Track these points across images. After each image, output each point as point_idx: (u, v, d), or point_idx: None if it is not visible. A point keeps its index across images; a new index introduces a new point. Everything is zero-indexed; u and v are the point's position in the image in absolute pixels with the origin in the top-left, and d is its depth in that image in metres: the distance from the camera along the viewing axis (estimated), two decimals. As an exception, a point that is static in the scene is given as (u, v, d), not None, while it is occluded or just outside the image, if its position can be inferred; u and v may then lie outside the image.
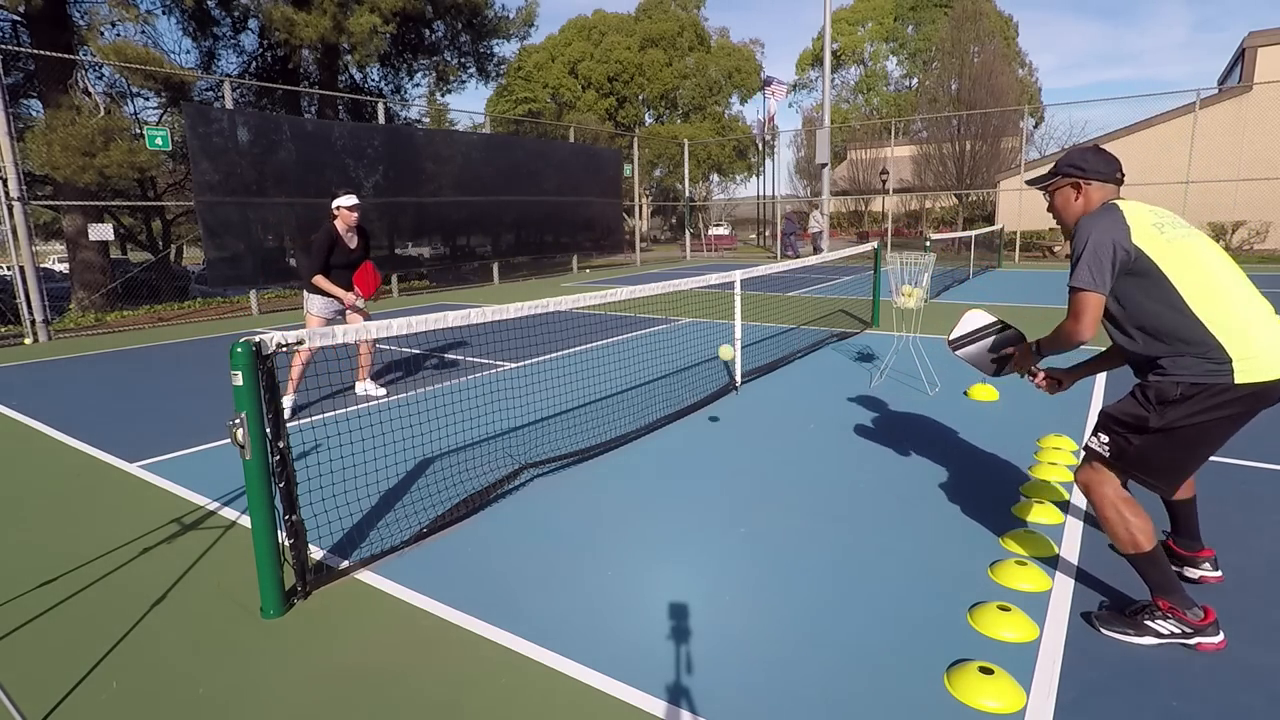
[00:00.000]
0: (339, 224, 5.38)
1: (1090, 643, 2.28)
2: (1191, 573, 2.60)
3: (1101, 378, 5.73)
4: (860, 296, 10.76)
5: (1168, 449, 2.19)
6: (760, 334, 8.00)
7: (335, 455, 3.92)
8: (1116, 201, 2.27)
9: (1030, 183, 2.47)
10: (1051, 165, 2.42)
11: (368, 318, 5.61)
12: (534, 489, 3.74)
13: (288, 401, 5.27)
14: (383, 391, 5.87)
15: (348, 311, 5.55)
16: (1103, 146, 2.39)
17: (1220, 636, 2.22)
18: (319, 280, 5.31)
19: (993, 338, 2.79)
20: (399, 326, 3.06)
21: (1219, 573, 2.59)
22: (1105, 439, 2.29)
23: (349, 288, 5.50)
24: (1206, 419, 2.11)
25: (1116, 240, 2.13)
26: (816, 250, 21.42)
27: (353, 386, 5.89)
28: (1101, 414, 2.33)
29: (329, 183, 13.09)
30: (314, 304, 5.45)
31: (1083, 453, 2.41)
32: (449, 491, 3.57)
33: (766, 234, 24.99)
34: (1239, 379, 2.04)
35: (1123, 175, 2.32)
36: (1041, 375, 2.69)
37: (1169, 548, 2.65)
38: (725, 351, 5.25)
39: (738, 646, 2.32)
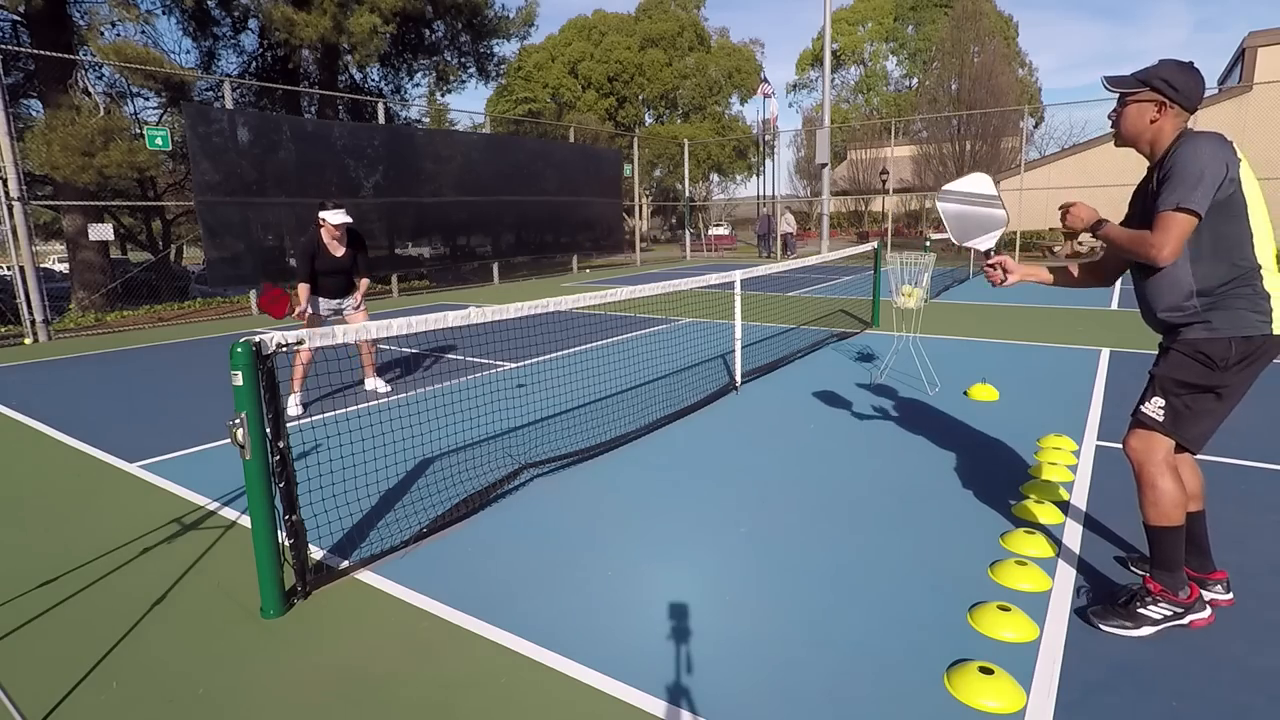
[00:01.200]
0: (323, 233, 5.37)
1: (1091, 642, 2.28)
2: (1204, 594, 2.39)
3: (1101, 376, 5.74)
4: (860, 296, 10.77)
5: (1218, 408, 2.20)
6: (760, 334, 8.00)
7: (335, 455, 3.92)
8: (1212, 131, 2.15)
9: (1111, 81, 2.25)
10: (1136, 71, 2.23)
11: (366, 317, 5.69)
12: (534, 489, 3.74)
13: (295, 400, 5.33)
14: (388, 388, 5.93)
15: (345, 312, 5.62)
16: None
17: (1209, 611, 2.27)
18: (300, 289, 5.36)
19: (984, 209, 2.75)
20: (399, 326, 3.06)
21: (1230, 595, 2.44)
22: (1161, 403, 2.23)
23: (338, 294, 5.55)
24: (1251, 373, 2.14)
25: (1229, 167, 2.05)
26: (786, 248, 23.45)
27: (353, 386, 5.91)
28: (1155, 378, 2.27)
29: (329, 183, 13.09)
30: (313, 305, 5.49)
31: (1134, 424, 2.31)
32: (449, 491, 3.57)
33: (768, 240, 25.43)
34: (1277, 329, 2.08)
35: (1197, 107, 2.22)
36: (995, 259, 2.58)
37: None
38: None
39: (738, 646, 2.32)
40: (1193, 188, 2.01)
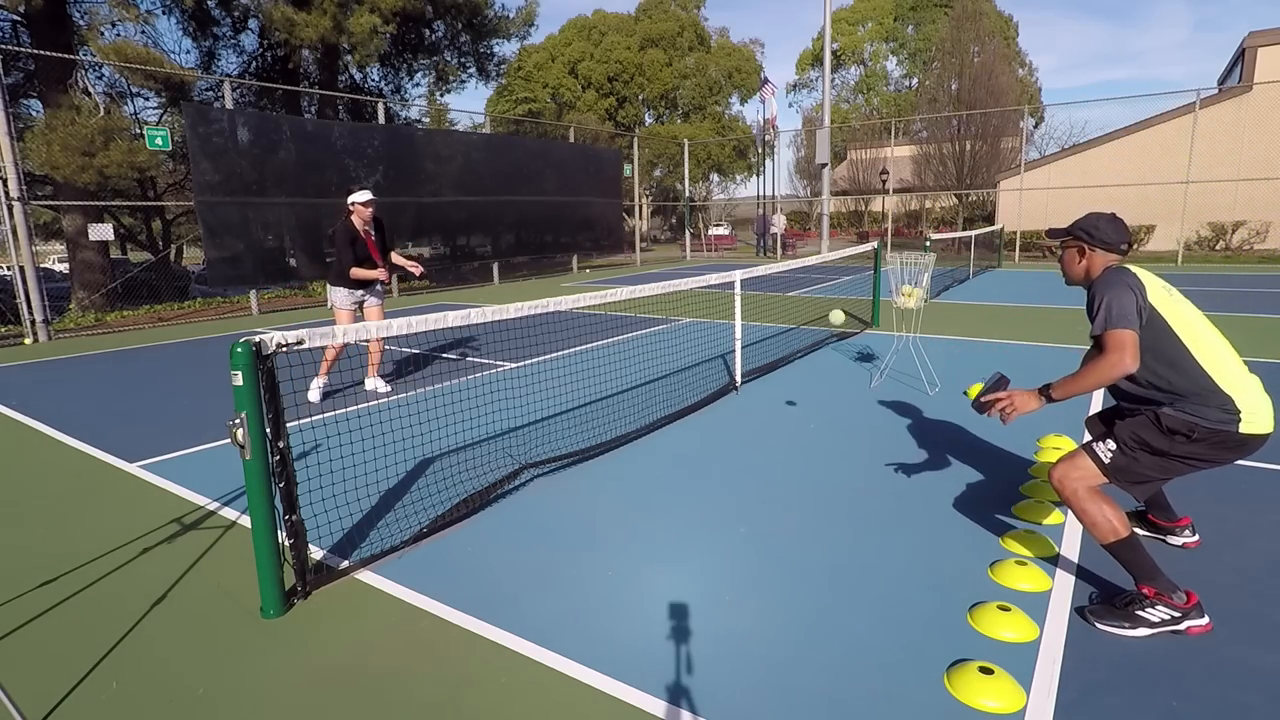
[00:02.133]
0: (355, 219, 5.49)
1: (1090, 643, 2.29)
2: (1174, 540, 2.88)
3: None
4: (860, 296, 10.76)
5: (1160, 471, 2.42)
6: (760, 334, 8.00)
7: (335, 455, 3.92)
8: (1126, 265, 2.48)
9: (1048, 233, 2.74)
10: (1074, 222, 2.62)
11: (381, 307, 5.87)
12: (534, 489, 3.74)
13: (317, 384, 5.55)
14: (388, 389, 5.93)
15: (364, 304, 5.73)
16: (1114, 215, 2.57)
17: (1206, 619, 2.30)
18: (356, 272, 5.47)
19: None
20: (399, 326, 3.06)
21: (1196, 536, 2.87)
22: (1113, 448, 2.43)
23: (362, 284, 5.67)
24: (1205, 457, 2.35)
25: (1135, 295, 2.32)
26: (784, 246, 24.80)
27: (353, 386, 5.91)
28: (1115, 430, 2.48)
29: (329, 183, 13.09)
30: (336, 296, 5.61)
31: (1074, 452, 2.51)
32: (449, 491, 3.57)
33: (765, 238, 25.83)
34: (1243, 429, 2.28)
35: (1128, 247, 2.54)
36: (1004, 403, 2.50)
37: (1149, 521, 2.93)
38: (836, 316, 5.39)
39: (738, 646, 2.32)
40: (1114, 312, 2.29)
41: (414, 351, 7.70)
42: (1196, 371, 2.30)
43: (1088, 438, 2.60)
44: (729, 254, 27.35)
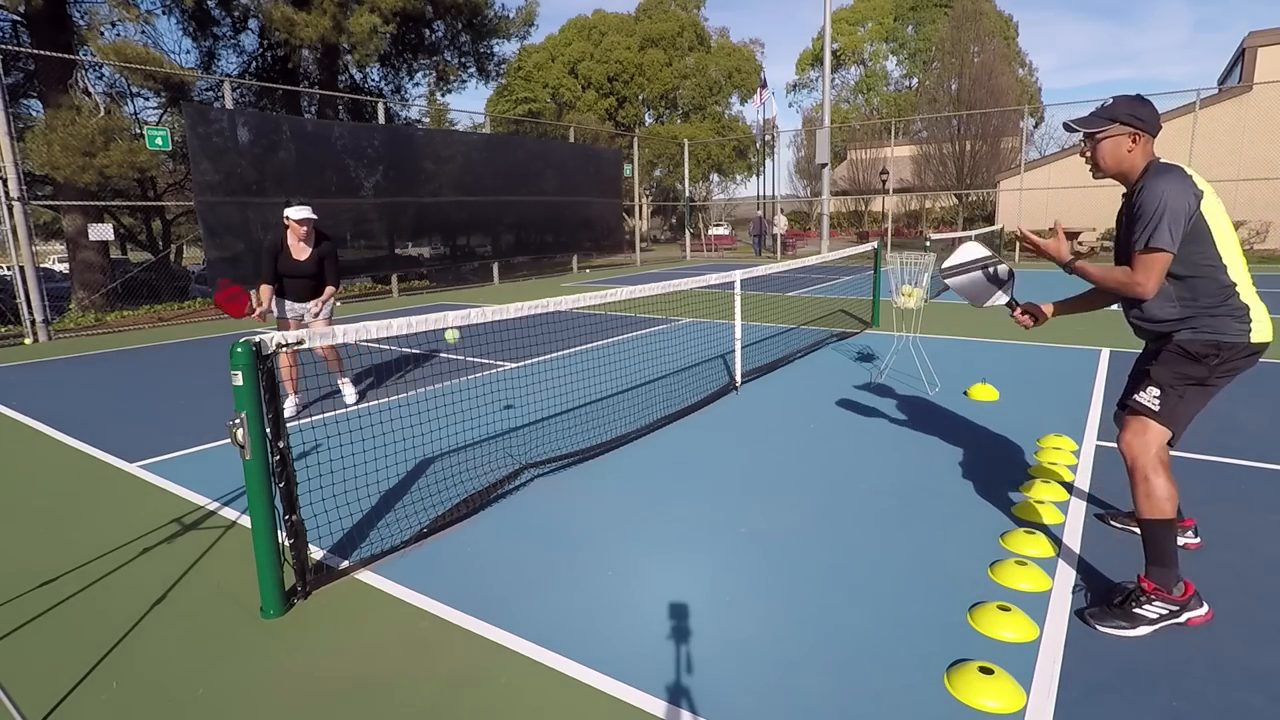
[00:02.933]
0: (289, 234, 5.12)
1: (1090, 642, 2.29)
2: (1179, 540, 2.80)
3: (1101, 376, 5.74)
4: (860, 296, 10.76)
5: (1201, 400, 2.38)
6: (760, 334, 8.00)
7: (335, 455, 3.92)
8: (1176, 163, 2.33)
9: (1078, 123, 2.42)
10: (1096, 111, 2.40)
11: (329, 322, 5.38)
12: (534, 489, 3.74)
13: (291, 401, 5.27)
14: (353, 394, 5.61)
15: (305, 320, 5.31)
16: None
17: (1205, 608, 2.32)
18: (262, 289, 5.13)
19: (987, 269, 2.92)
20: (399, 326, 3.06)
21: (1199, 539, 2.87)
22: (1156, 393, 2.37)
23: (300, 298, 5.28)
24: (1229, 372, 2.33)
25: (1190, 203, 2.22)
26: (783, 247, 25.02)
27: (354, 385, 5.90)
28: (1150, 373, 2.42)
29: (329, 182, 13.09)
30: (276, 306, 5.29)
31: (1124, 414, 2.48)
32: (449, 491, 3.57)
33: (762, 239, 25.95)
34: (1253, 338, 2.30)
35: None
36: (1020, 309, 2.77)
37: None
38: (450, 335, 5.05)
39: (738, 646, 2.32)
40: (1165, 226, 2.19)
41: (414, 351, 7.70)
42: (1227, 284, 2.29)
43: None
44: (729, 254, 27.35)
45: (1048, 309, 2.74)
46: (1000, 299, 2.93)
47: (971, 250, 3.02)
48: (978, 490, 3.55)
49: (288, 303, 5.31)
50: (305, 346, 2.68)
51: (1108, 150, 2.38)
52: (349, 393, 5.62)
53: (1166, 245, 2.19)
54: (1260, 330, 2.31)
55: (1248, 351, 2.32)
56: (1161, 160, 2.34)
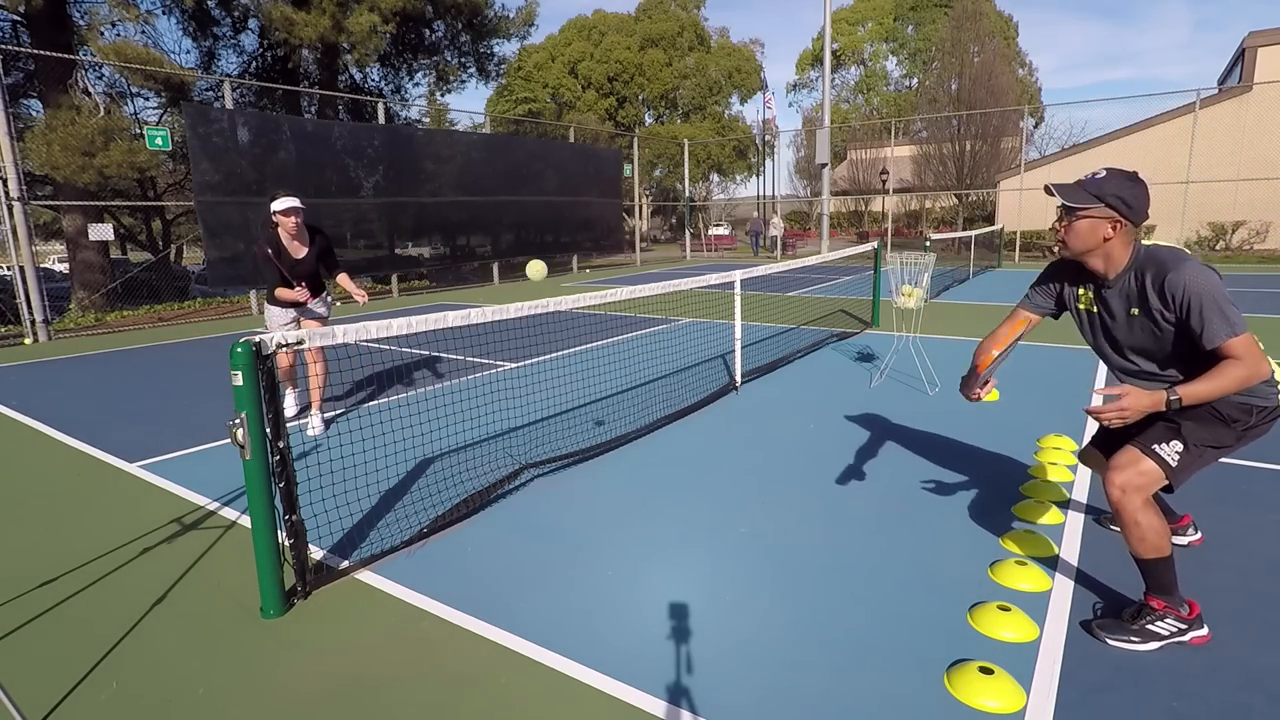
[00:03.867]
0: (280, 232, 4.76)
1: (1090, 643, 2.29)
2: (1179, 540, 2.85)
3: (1101, 377, 5.74)
4: (860, 296, 10.76)
5: (1215, 459, 2.29)
6: (760, 334, 8.00)
7: (335, 455, 3.92)
8: (1169, 245, 2.19)
9: (1060, 191, 2.20)
10: (1082, 182, 2.20)
11: (325, 322, 5.07)
12: (534, 489, 3.74)
13: (290, 400, 5.18)
14: (322, 429, 4.86)
15: (301, 320, 5.03)
16: (1130, 170, 2.23)
17: (1206, 629, 2.28)
18: (280, 293, 4.79)
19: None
20: (399, 326, 3.06)
21: (1200, 534, 2.89)
22: (1179, 449, 2.22)
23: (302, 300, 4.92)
24: (1255, 435, 2.27)
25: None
26: (778, 247, 25.50)
27: (353, 386, 5.89)
28: (1181, 429, 2.24)
29: (329, 182, 13.09)
30: (269, 315, 5.02)
31: (1131, 457, 2.24)
32: (449, 491, 3.57)
33: (759, 239, 26.09)
34: None
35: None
36: (984, 388, 2.57)
37: None
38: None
39: (738, 646, 2.32)
40: (1230, 310, 2.05)
41: (414, 351, 7.70)
42: None
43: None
44: (729, 254, 27.35)
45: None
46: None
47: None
48: (978, 490, 3.55)
49: (278, 310, 4.96)
50: (305, 347, 2.68)
51: (1082, 231, 2.18)
52: (317, 425, 4.86)
53: (1242, 326, 2.05)
54: None
55: (1276, 415, 2.23)
56: (1160, 244, 2.19)
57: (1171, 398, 2.09)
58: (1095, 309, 2.37)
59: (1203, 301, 2.04)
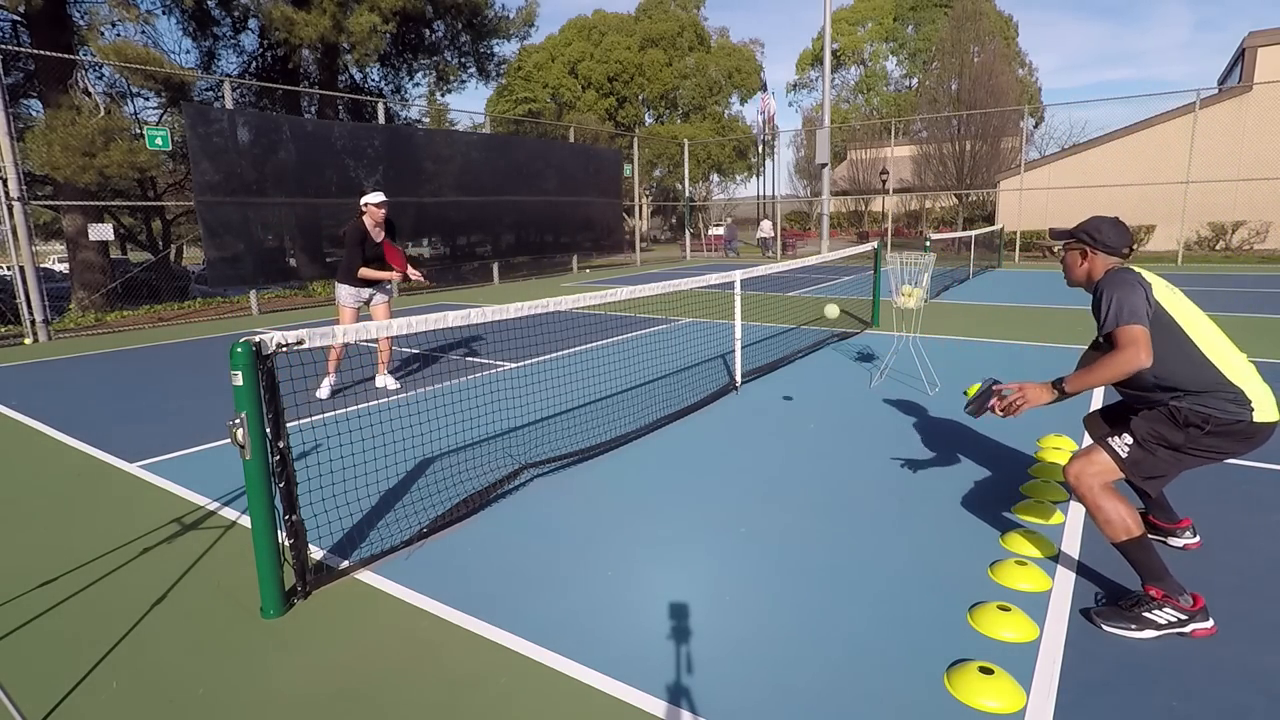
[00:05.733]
0: (367, 220, 5.62)
1: (1090, 642, 2.29)
2: (1175, 542, 2.88)
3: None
4: (860, 296, 10.76)
5: (1175, 464, 2.42)
6: (760, 334, 8.00)
7: (335, 455, 3.92)
8: (1129, 265, 2.50)
9: (1051, 234, 2.73)
10: (1077, 225, 2.63)
11: (390, 302, 6.01)
12: (534, 489, 3.74)
13: (328, 383, 5.70)
14: (398, 385, 6.01)
15: (370, 302, 5.83)
16: (1115, 219, 2.58)
17: (1211, 622, 2.30)
18: (364, 272, 5.61)
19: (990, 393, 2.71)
20: (399, 326, 3.06)
21: (1198, 538, 2.88)
22: (1129, 443, 2.42)
23: (369, 283, 5.77)
24: (1219, 449, 2.36)
25: (1143, 291, 2.34)
26: (777, 248, 25.51)
27: (352, 386, 5.92)
28: (1132, 425, 2.45)
29: (329, 183, 13.09)
30: (342, 294, 5.72)
31: (1089, 447, 2.48)
32: (449, 491, 3.57)
33: (732, 244, 26.44)
34: (1257, 418, 2.30)
35: (1130, 250, 2.57)
36: (1015, 396, 2.48)
37: (1150, 523, 2.89)
38: (831, 310, 5.59)
39: (738, 646, 2.32)
40: (1124, 308, 2.29)
41: (414, 351, 7.70)
42: (1205, 366, 2.32)
43: (1088, 438, 2.60)
44: (730, 254, 27.35)
45: (1040, 394, 2.45)
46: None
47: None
48: (978, 490, 3.55)
49: (350, 289, 5.68)
50: (306, 347, 2.68)
51: (1068, 262, 2.65)
52: (391, 383, 5.98)
53: (1136, 319, 2.26)
54: (1264, 409, 2.31)
55: (1246, 433, 2.31)
56: (1125, 266, 2.49)
57: (1056, 383, 2.44)
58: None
59: (1104, 297, 2.36)
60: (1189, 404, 2.34)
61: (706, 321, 8.93)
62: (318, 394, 5.63)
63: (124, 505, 3.70)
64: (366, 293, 5.78)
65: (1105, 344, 2.42)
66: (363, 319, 5.94)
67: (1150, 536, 2.90)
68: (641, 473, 3.95)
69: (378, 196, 5.65)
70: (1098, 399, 5.12)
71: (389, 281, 5.90)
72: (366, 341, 5.47)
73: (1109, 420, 2.76)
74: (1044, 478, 3.60)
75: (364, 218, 5.63)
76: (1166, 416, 2.38)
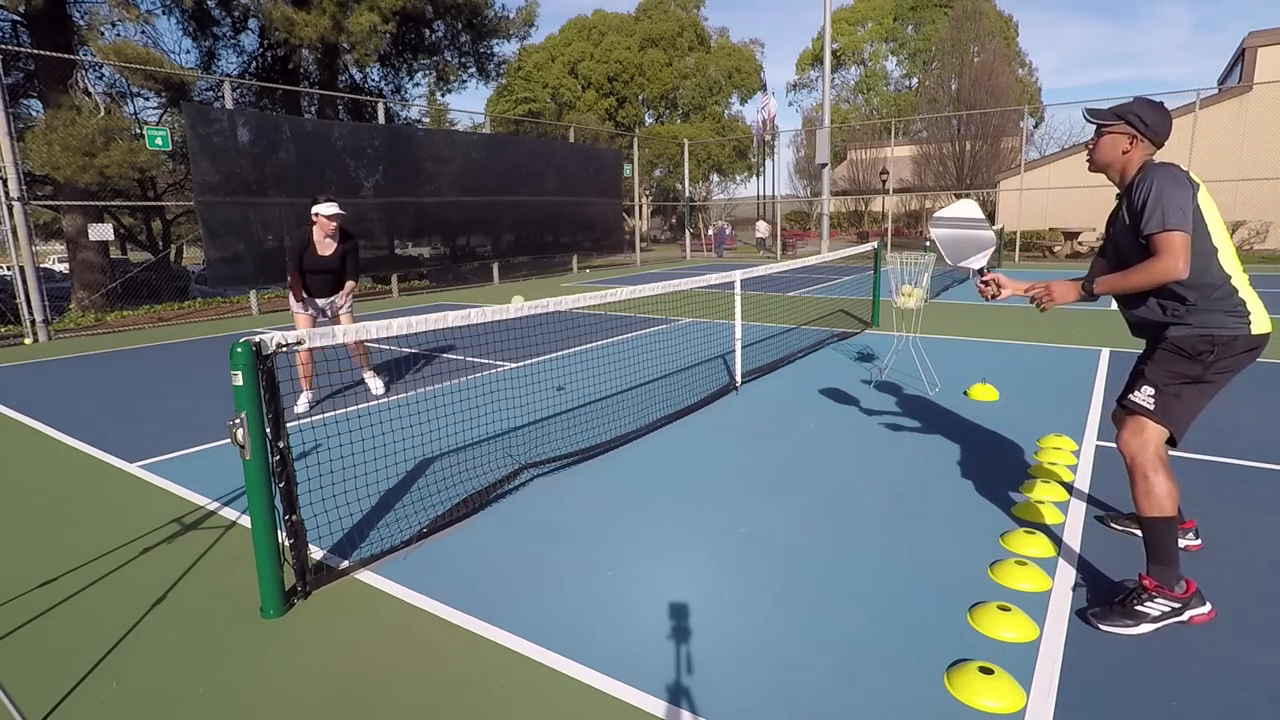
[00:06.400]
0: (316, 230, 5.30)
1: (1091, 642, 2.28)
2: (1179, 542, 2.80)
3: (1101, 376, 5.74)
4: (860, 296, 10.76)
5: (1199, 399, 2.38)
6: (760, 334, 8.00)
7: (335, 455, 3.92)
8: (1170, 162, 2.34)
9: (1089, 113, 2.49)
10: (1118, 105, 2.46)
11: (352, 319, 5.59)
12: (534, 489, 3.74)
13: (305, 398, 5.43)
14: (380, 386, 5.85)
15: (329, 313, 5.56)
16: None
17: (1208, 606, 2.32)
18: (291, 278, 5.36)
19: (972, 231, 2.93)
20: (399, 326, 3.06)
21: (1199, 541, 2.87)
22: (1151, 392, 2.39)
23: (323, 293, 5.49)
24: (1226, 369, 2.33)
25: (1189, 193, 2.24)
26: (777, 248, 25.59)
27: (353, 386, 5.92)
28: (1144, 372, 2.43)
29: (329, 183, 13.08)
30: (291, 303, 5.48)
31: (1122, 413, 2.50)
32: (449, 491, 3.57)
33: (720, 247, 26.58)
34: (1253, 330, 2.30)
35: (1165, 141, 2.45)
36: (990, 276, 2.73)
37: None
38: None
39: (738, 646, 2.32)
40: (1173, 208, 2.20)
41: (414, 351, 7.70)
42: (1220, 273, 2.29)
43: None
44: (729, 254, 27.34)
45: (1016, 287, 2.66)
46: (975, 262, 2.94)
47: (967, 209, 3.05)
48: (978, 490, 3.55)
49: (296, 300, 5.43)
50: (306, 346, 2.68)
51: (1105, 145, 2.44)
52: (376, 385, 5.83)
53: (1181, 225, 2.17)
54: (1259, 322, 2.31)
55: (1246, 346, 2.31)
56: (1168, 162, 2.34)
57: (1085, 283, 2.43)
58: (1113, 219, 2.53)
59: (1150, 199, 2.23)
60: (1189, 330, 2.32)
61: (706, 321, 8.93)
62: (295, 409, 5.27)
63: (124, 505, 3.70)
64: (323, 302, 5.50)
65: (1108, 249, 2.37)
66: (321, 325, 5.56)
67: None
68: (641, 473, 3.95)
69: (329, 208, 5.21)
70: (1098, 397, 5.12)
71: (340, 296, 5.52)
72: (368, 342, 5.47)
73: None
74: (1044, 477, 3.60)
75: (313, 227, 5.29)
76: (1174, 352, 2.35)
